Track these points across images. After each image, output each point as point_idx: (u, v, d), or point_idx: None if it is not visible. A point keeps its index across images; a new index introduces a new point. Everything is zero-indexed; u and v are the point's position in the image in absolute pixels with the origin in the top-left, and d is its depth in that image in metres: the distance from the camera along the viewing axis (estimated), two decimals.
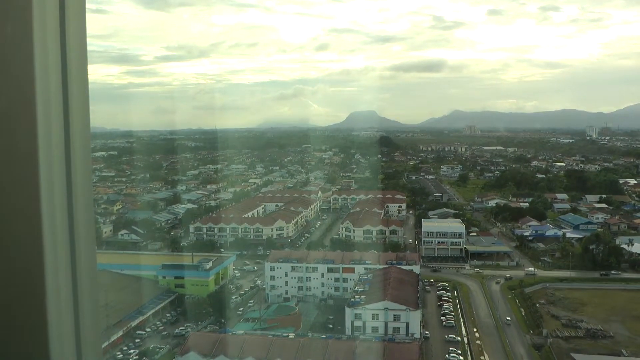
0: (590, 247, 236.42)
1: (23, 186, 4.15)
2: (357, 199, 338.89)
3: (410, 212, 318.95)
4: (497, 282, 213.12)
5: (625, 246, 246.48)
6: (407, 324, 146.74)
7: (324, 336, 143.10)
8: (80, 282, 4.56)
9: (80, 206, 4.52)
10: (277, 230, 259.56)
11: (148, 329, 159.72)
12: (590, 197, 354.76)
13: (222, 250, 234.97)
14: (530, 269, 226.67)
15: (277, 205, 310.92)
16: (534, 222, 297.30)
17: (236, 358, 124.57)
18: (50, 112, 4.21)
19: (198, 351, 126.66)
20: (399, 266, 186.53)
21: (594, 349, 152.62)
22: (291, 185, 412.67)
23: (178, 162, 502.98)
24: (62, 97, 4.29)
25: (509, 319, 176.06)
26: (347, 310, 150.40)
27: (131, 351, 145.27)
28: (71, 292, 4.50)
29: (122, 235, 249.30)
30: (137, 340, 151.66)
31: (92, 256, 4.74)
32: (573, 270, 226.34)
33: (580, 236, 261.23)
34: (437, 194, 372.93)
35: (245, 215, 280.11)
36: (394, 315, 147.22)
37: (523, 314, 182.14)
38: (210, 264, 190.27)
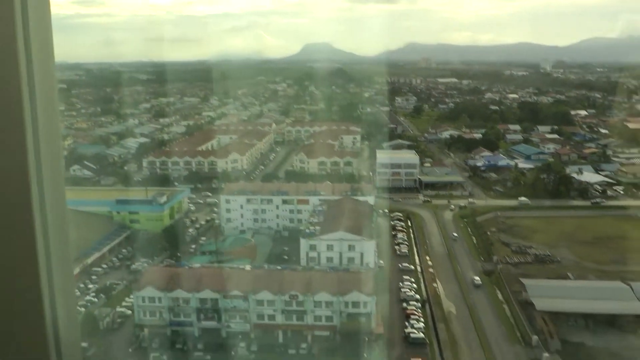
0: (542, 177, 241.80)
1: None
2: (312, 131, 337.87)
3: (365, 143, 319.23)
4: (451, 210, 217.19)
5: (575, 175, 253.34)
6: (362, 254, 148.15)
7: (279, 267, 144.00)
8: (49, 218, 4.81)
9: (47, 144, 4.74)
10: (231, 163, 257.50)
11: (104, 266, 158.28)
12: (542, 128, 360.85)
13: (176, 184, 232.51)
14: (482, 200, 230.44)
15: (231, 138, 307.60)
16: (486, 153, 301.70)
17: (193, 291, 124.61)
18: (15, 46, 4.46)
19: (154, 286, 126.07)
20: (353, 197, 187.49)
21: (541, 273, 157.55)
22: (245, 118, 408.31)
23: (130, 95, 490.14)
24: (23, 32, 4.50)
25: (461, 245, 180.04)
26: (302, 242, 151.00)
27: (89, 287, 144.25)
28: (42, 228, 4.76)
29: (73, 170, 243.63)
30: (94, 277, 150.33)
31: (60, 193, 5.04)
32: (524, 198, 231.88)
33: (532, 166, 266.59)
34: (392, 126, 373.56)
35: (199, 149, 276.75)
36: (349, 246, 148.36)
37: (474, 242, 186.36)
38: (164, 198, 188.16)
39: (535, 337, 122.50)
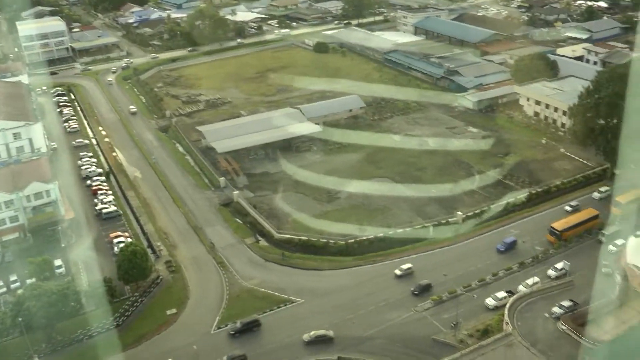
0: (197, 23, 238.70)
1: None
2: None
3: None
4: (113, 73, 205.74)
5: (229, 17, 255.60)
6: (30, 140, 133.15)
7: None
8: None
9: None
10: None
11: None
12: None
13: None
14: (141, 58, 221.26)
15: None
16: (136, 8, 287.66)
17: None
18: None
19: None
20: (4, 80, 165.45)
21: (215, 117, 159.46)
22: None
23: None
24: None
25: (133, 108, 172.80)
26: None
27: None
28: None
29: None
30: None
31: None
32: (183, 48, 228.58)
33: (185, 15, 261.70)
34: None
35: None
36: (13, 134, 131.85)
37: (144, 101, 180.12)
38: None
39: (222, 179, 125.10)
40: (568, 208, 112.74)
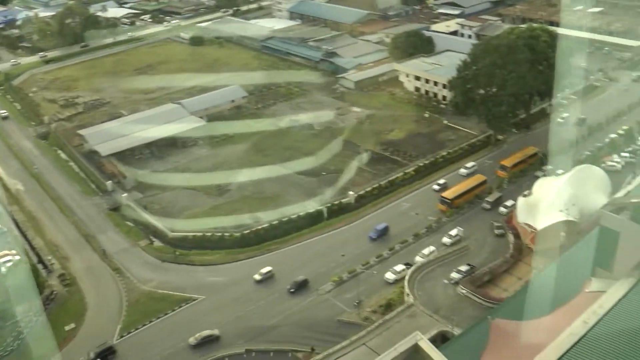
0: (67, 22, 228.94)
1: None
2: None
3: None
4: None
5: (100, 13, 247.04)
6: None
7: None
8: None
9: None
10: None
11: None
12: None
13: None
14: (10, 62, 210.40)
15: None
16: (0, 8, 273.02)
17: None
18: None
19: None
20: None
21: (96, 119, 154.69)
22: None
23: None
24: None
25: (3, 112, 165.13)
26: None
27: None
28: None
29: None
30: None
31: None
32: (56, 49, 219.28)
33: (54, 12, 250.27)
34: None
35: None
36: None
37: (19, 108, 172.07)
38: None
39: (109, 183, 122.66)
40: (464, 171, 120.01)
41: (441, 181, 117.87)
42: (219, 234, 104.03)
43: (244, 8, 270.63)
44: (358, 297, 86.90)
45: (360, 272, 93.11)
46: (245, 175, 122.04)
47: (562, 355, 45.64)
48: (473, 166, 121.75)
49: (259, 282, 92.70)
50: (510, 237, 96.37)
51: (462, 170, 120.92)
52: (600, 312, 49.33)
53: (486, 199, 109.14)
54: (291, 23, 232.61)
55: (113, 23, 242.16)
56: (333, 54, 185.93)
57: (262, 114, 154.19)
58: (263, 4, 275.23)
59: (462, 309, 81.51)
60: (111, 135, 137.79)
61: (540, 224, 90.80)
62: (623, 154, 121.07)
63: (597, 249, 61.59)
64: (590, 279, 60.39)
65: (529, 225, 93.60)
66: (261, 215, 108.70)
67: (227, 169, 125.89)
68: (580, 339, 46.70)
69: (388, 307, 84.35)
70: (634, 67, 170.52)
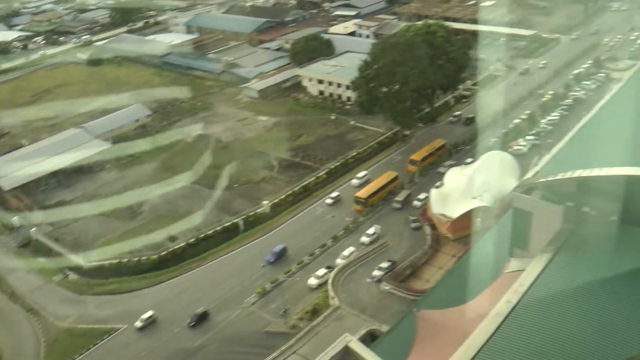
0: None
1: None
2: None
3: None
4: None
5: None
6: None
7: None
8: None
9: None
10: None
11: None
12: None
13: None
14: None
15: None
16: None
17: None
18: None
19: None
20: None
21: None
22: None
23: None
24: None
25: None
26: None
27: None
28: None
29: None
30: None
31: None
32: None
33: None
34: None
35: None
36: None
37: None
38: None
39: (16, 218, 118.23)
40: (356, 181, 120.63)
41: (355, 181, 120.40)
42: (136, 258, 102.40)
43: (140, 24, 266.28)
44: (283, 305, 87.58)
45: (283, 281, 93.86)
46: (156, 195, 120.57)
47: (491, 336, 47.31)
48: (365, 175, 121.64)
49: (182, 301, 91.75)
50: (427, 229, 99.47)
51: (354, 181, 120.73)
52: (521, 290, 51.70)
53: (395, 198, 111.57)
54: (189, 37, 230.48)
55: (4, 48, 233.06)
56: (234, 64, 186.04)
57: (169, 131, 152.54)
58: (159, 19, 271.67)
59: (388, 305, 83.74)
60: (13, 168, 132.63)
61: (455, 212, 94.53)
62: (528, 137, 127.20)
63: (512, 230, 64.81)
64: (509, 260, 63.67)
65: (444, 215, 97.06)
66: (177, 234, 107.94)
67: (137, 189, 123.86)
68: (505, 318, 48.70)
69: (314, 312, 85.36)
70: (530, 55, 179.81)
